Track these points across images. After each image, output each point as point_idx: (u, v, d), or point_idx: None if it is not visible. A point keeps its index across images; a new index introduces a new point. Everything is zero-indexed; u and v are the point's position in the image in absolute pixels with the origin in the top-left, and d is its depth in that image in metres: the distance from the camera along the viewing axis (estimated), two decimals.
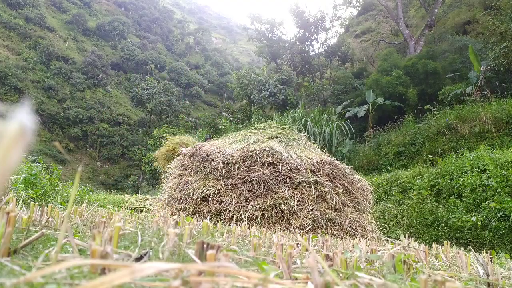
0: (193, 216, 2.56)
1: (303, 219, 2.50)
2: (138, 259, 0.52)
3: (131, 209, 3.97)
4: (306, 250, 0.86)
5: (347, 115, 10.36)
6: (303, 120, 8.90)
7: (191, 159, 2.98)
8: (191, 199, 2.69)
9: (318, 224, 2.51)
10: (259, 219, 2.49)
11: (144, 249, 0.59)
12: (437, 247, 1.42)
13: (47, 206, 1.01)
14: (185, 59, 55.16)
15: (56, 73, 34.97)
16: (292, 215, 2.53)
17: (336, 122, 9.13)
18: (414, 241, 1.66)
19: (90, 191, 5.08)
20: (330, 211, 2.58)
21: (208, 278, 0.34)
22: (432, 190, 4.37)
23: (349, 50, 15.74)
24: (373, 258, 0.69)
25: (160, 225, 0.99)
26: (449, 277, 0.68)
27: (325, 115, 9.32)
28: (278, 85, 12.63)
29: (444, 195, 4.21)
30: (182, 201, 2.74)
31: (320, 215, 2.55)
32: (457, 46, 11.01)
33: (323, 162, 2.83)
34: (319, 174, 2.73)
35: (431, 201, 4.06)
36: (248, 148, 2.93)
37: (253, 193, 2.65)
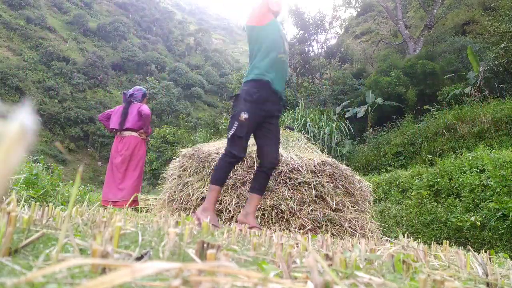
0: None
1: (302, 219, 2.51)
2: (139, 258, 0.53)
3: (132, 209, 3.96)
4: (306, 250, 0.86)
5: (346, 116, 10.38)
6: (302, 120, 8.91)
7: (190, 160, 2.99)
8: (191, 200, 2.69)
9: (318, 224, 2.51)
10: (259, 219, 2.50)
11: (144, 249, 0.59)
12: (436, 246, 1.43)
13: (48, 206, 1.01)
14: (186, 59, 55.21)
15: (57, 73, 34.99)
16: (292, 215, 2.54)
17: (336, 122, 9.15)
18: (413, 241, 1.67)
19: (91, 191, 5.07)
20: (329, 211, 2.59)
21: (208, 278, 0.34)
22: (431, 190, 4.38)
23: (348, 51, 15.77)
24: (372, 257, 0.70)
25: (161, 225, 1.00)
26: (448, 277, 0.68)
27: (325, 116, 9.34)
28: None
29: (443, 195, 4.21)
30: (182, 202, 2.74)
31: (320, 215, 2.55)
32: (456, 47, 11.03)
33: (324, 163, 2.83)
34: (320, 175, 2.73)
35: (430, 201, 4.07)
36: (247, 149, 2.93)
37: None
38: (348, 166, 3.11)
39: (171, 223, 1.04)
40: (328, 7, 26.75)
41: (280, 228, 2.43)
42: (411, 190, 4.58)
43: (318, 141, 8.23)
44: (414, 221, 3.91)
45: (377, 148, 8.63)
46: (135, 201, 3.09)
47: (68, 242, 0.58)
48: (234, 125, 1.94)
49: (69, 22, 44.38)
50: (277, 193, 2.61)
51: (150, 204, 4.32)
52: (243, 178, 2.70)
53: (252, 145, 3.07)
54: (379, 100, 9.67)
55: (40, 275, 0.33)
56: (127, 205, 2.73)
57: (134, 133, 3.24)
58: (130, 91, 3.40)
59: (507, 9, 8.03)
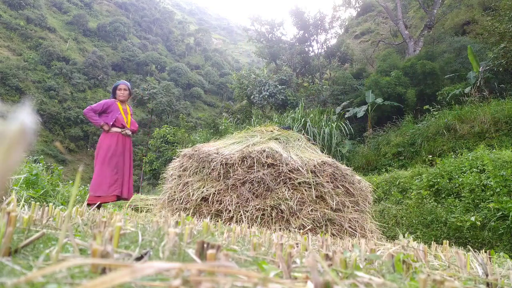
0: (193, 216, 2.56)
1: (302, 219, 2.51)
2: (139, 258, 0.53)
3: (132, 209, 3.96)
4: (306, 250, 0.86)
5: (346, 116, 10.38)
6: (302, 120, 8.91)
7: (190, 160, 2.99)
8: (191, 200, 2.69)
9: (318, 224, 2.51)
10: (259, 219, 2.50)
11: (144, 249, 0.59)
12: (436, 246, 1.43)
13: (48, 206, 1.01)
14: (186, 59, 55.26)
15: (57, 73, 35.04)
16: (292, 215, 2.54)
17: (336, 123, 9.14)
18: (413, 241, 1.66)
19: None
20: (329, 211, 2.59)
21: (208, 278, 0.34)
22: (431, 190, 4.38)
23: (348, 51, 15.77)
24: (372, 257, 0.70)
25: (161, 225, 1.00)
26: (448, 277, 0.68)
27: (325, 116, 9.33)
28: (278, 85, 12.65)
29: (443, 195, 4.21)
30: (182, 202, 2.74)
31: (320, 215, 2.55)
32: (456, 47, 11.03)
33: (324, 163, 2.83)
34: (320, 175, 2.73)
35: (430, 201, 4.06)
36: (247, 149, 2.93)
37: (253, 193, 2.66)
38: (348, 166, 3.11)
39: (171, 223, 1.04)
40: (328, 7, 26.82)
41: (280, 228, 2.43)
42: (411, 190, 4.57)
43: (318, 141, 8.23)
44: (414, 221, 3.90)
45: (377, 148, 8.62)
46: (98, 197, 2.93)
47: (68, 242, 0.58)
48: None
49: (69, 22, 44.41)
50: (277, 193, 2.61)
51: (150, 204, 4.32)
52: (243, 178, 2.70)
53: (252, 145, 3.07)
54: (379, 100, 9.66)
55: (40, 275, 0.33)
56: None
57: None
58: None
59: (507, 9, 8.02)
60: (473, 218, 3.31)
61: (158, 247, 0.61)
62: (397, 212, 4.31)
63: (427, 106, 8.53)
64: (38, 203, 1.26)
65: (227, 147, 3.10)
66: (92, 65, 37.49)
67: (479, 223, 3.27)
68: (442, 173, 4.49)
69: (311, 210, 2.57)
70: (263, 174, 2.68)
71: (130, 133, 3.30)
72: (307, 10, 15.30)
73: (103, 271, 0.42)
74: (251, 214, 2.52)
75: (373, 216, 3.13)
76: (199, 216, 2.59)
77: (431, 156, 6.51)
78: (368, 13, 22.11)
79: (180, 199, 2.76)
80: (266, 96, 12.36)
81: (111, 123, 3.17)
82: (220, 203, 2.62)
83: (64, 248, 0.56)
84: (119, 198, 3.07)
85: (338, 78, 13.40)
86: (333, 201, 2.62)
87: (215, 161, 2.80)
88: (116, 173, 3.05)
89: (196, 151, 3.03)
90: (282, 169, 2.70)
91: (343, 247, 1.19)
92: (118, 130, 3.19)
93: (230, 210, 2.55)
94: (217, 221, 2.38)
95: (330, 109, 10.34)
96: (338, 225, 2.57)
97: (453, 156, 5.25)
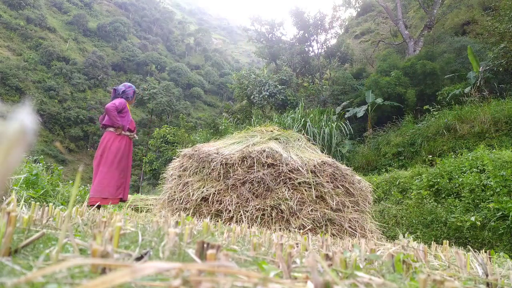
0: (193, 216, 2.56)
1: (302, 219, 2.51)
2: (139, 258, 0.53)
3: (132, 209, 3.97)
4: (306, 250, 0.86)
5: (346, 116, 10.38)
6: (302, 120, 8.91)
7: (190, 160, 2.99)
8: (191, 200, 2.69)
9: (318, 224, 2.51)
10: (259, 219, 2.50)
11: (144, 249, 0.59)
12: (436, 246, 1.43)
13: (48, 206, 1.01)
14: (186, 59, 55.29)
15: (57, 73, 35.05)
16: (292, 215, 2.54)
17: (336, 123, 9.15)
18: (413, 241, 1.66)
19: None
20: (329, 211, 2.59)
21: (208, 278, 0.34)
22: (431, 190, 4.38)
23: (348, 51, 15.77)
24: (372, 257, 0.70)
25: (161, 225, 1.00)
26: (448, 277, 0.68)
27: (325, 116, 9.33)
28: (278, 85, 12.65)
29: (443, 195, 4.21)
30: (182, 202, 2.74)
31: (320, 215, 2.55)
32: (456, 47, 11.03)
33: (324, 163, 2.84)
34: (320, 175, 2.74)
35: (430, 201, 4.06)
36: (247, 149, 2.93)
37: (253, 193, 2.66)
38: (348, 166, 3.11)
39: (171, 223, 1.04)
40: (328, 7, 26.88)
41: (280, 228, 2.43)
42: (411, 190, 4.58)
43: (318, 141, 8.23)
44: (414, 221, 3.90)
45: (377, 148, 8.63)
46: (105, 199, 2.85)
47: (68, 242, 0.58)
48: None
49: (69, 22, 44.42)
50: (277, 193, 2.61)
51: (150, 204, 4.32)
52: (243, 178, 2.70)
53: (252, 145, 3.07)
54: (379, 100, 9.67)
55: (40, 275, 0.33)
56: (89, 203, 2.67)
57: (111, 129, 3.07)
58: (121, 87, 3.22)
59: (507, 9, 8.02)
60: (473, 218, 3.31)
61: (158, 247, 0.61)
62: (397, 212, 4.31)
63: (427, 106, 8.53)
64: (38, 203, 1.26)
65: (227, 147, 3.10)
66: (92, 65, 37.50)
67: (479, 223, 3.27)
68: (442, 173, 4.49)
69: (311, 210, 2.57)
70: (263, 174, 2.68)
71: (137, 138, 3.24)
72: (307, 10, 15.30)
73: (103, 271, 0.42)
74: (251, 214, 2.52)
75: (373, 216, 3.13)
76: (199, 216, 2.59)
77: (431, 156, 6.51)
78: (368, 13, 22.11)
79: (180, 199, 2.76)
80: (266, 96, 12.36)
81: (127, 127, 3.09)
82: (220, 203, 2.62)
83: (64, 248, 0.56)
84: (120, 200, 3.06)
85: (338, 78, 13.39)
86: (333, 201, 2.62)
87: (215, 161, 2.80)
88: (123, 177, 3.00)
89: (196, 151, 3.04)
90: (282, 169, 2.71)
91: (343, 247, 1.19)
92: (128, 133, 3.11)
93: (230, 210, 2.55)
94: (217, 221, 2.38)
95: (330, 109, 10.33)
96: (338, 225, 2.57)
97: (453, 156, 5.25)
